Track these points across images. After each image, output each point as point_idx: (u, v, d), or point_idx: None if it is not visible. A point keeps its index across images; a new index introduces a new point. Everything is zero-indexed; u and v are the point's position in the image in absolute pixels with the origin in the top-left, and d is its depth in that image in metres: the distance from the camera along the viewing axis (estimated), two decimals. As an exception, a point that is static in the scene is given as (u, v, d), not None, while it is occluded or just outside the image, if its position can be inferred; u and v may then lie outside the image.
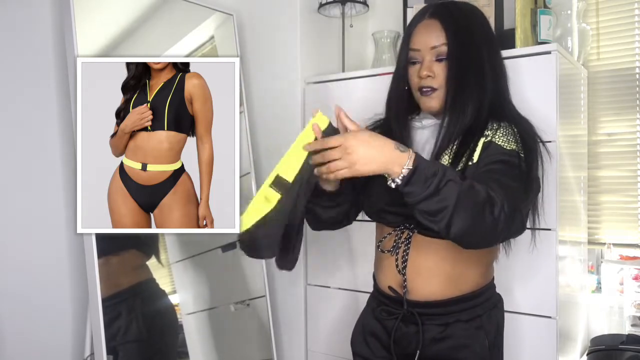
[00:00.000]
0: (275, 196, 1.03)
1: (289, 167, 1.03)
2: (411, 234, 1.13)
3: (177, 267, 1.70)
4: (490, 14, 1.77)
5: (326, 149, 0.96)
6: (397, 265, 1.14)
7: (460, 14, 1.13)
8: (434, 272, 1.12)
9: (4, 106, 1.50)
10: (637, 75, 1.88)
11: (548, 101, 1.52)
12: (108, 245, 1.49)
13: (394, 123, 1.17)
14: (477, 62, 1.11)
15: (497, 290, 1.28)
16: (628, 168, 1.90)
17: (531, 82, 1.54)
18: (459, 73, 1.09)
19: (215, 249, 1.82)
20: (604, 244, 1.93)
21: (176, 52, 1.77)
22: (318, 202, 1.14)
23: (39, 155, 1.58)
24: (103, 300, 1.43)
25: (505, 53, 1.59)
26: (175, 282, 1.70)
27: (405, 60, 1.14)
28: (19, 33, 1.53)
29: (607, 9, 1.92)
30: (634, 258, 1.86)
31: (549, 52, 1.52)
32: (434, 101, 1.12)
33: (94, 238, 1.42)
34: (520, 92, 1.54)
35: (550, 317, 1.52)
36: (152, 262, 1.65)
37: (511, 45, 1.66)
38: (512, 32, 1.68)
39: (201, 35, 1.86)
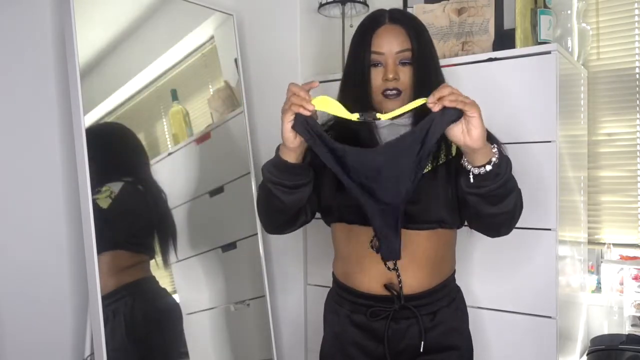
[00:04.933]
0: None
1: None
2: None
3: (177, 267, 1.70)
4: (490, 14, 1.77)
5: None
6: (385, 263, 1.15)
7: (416, 21, 1.20)
8: (421, 263, 1.17)
9: (3, 106, 1.50)
10: (637, 75, 1.88)
11: (548, 101, 1.52)
12: (108, 245, 1.49)
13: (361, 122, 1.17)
14: (436, 65, 1.19)
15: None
16: (628, 168, 1.90)
17: (531, 82, 1.54)
18: (424, 76, 1.15)
19: (215, 249, 1.82)
20: (604, 244, 1.93)
21: (176, 52, 1.77)
22: (280, 181, 1.08)
23: (39, 155, 1.58)
24: (103, 300, 1.43)
25: (505, 53, 1.60)
26: (175, 282, 1.70)
27: (368, 62, 1.15)
28: (19, 33, 1.53)
29: (607, 9, 1.92)
30: (634, 258, 1.86)
31: (549, 52, 1.52)
32: (397, 103, 1.14)
33: (93, 238, 1.41)
34: (521, 92, 1.55)
35: (550, 317, 1.53)
36: (152, 262, 1.65)
37: (511, 45, 1.66)
38: (512, 32, 1.68)
39: (201, 35, 1.86)
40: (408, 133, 1.04)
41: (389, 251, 1.08)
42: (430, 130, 1.00)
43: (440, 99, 0.97)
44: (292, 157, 1.06)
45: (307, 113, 1.01)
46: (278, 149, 1.10)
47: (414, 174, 1.04)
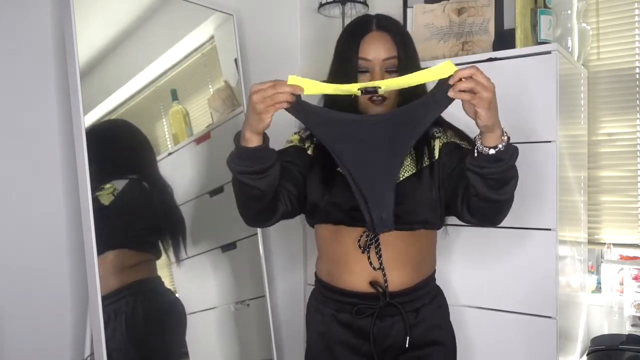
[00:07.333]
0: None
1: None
2: None
3: (177, 267, 1.70)
4: (490, 14, 1.78)
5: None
6: (370, 263, 1.17)
7: (402, 28, 1.22)
8: (404, 262, 1.19)
9: (3, 106, 1.50)
10: (637, 75, 1.88)
11: (548, 101, 1.52)
12: (111, 243, 1.49)
13: None
14: None
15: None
16: (628, 168, 1.90)
17: (531, 82, 1.54)
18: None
19: (215, 249, 1.82)
20: (604, 244, 1.93)
21: (176, 52, 1.77)
22: (251, 169, 1.08)
23: (39, 154, 1.58)
24: (103, 300, 1.43)
25: (505, 53, 1.60)
26: (175, 282, 1.70)
27: (355, 68, 1.16)
28: (19, 33, 1.53)
29: (607, 9, 1.92)
30: (634, 258, 1.86)
31: (549, 52, 1.53)
32: (383, 109, 1.17)
33: (93, 238, 1.41)
34: (520, 92, 1.55)
35: (550, 317, 1.53)
36: (152, 262, 1.65)
37: (511, 45, 1.66)
38: (512, 32, 1.68)
39: (201, 35, 1.86)
40: (406, 108, 1.07)
41: (383, 221, 1.09)
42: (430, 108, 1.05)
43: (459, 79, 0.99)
44: (257, 140, 1.07)
45: (291, 98, 1.02)
46: (236, 139, 1.09)
47: (408, 147, 1.09)
